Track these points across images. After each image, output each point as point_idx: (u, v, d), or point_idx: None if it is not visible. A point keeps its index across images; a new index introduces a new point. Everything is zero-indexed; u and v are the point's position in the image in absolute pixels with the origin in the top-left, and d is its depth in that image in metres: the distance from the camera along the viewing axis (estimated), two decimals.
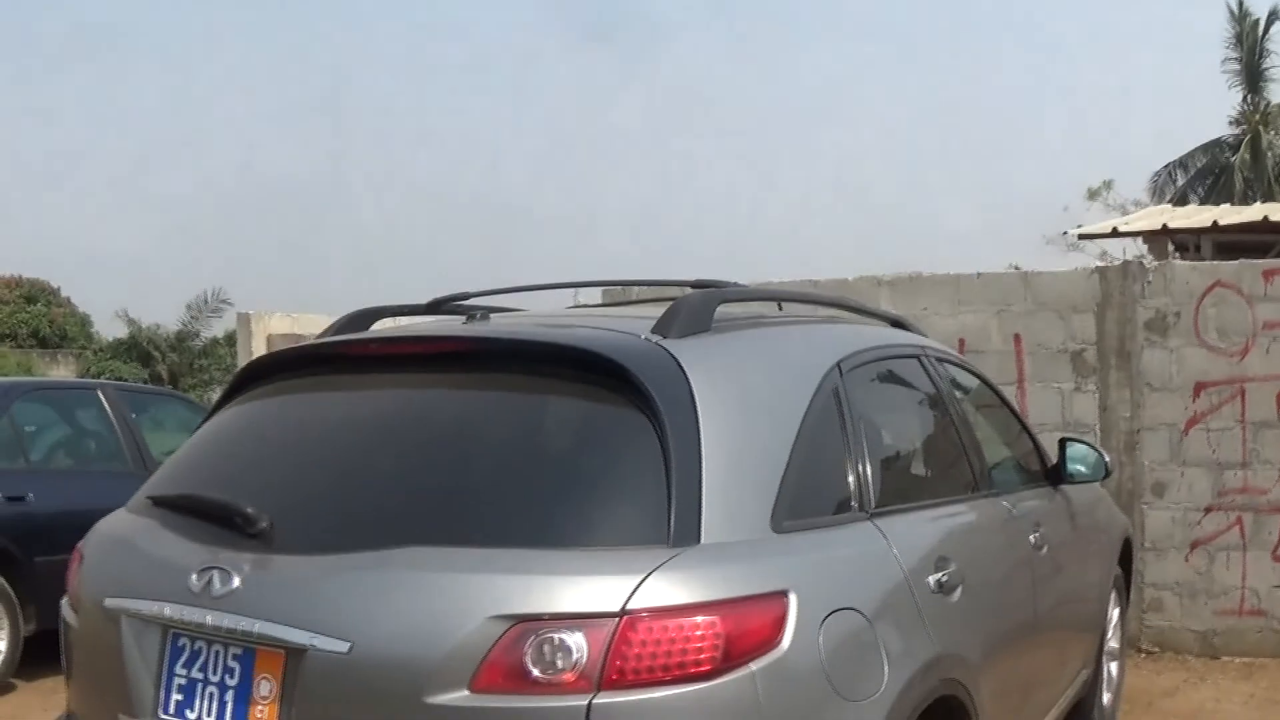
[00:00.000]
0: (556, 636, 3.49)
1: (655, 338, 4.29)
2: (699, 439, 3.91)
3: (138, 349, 40.10)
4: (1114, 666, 7.83)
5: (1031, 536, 5.87)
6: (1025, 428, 6.94)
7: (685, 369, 4.11)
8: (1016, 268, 15.01)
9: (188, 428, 11.35)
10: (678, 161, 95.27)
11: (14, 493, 9.95)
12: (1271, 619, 10.11)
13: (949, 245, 69.36)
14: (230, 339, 37.31)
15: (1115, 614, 7.71)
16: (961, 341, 10.73)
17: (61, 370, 44.18)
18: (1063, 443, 6.77)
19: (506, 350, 4.49)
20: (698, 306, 4.57)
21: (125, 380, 33.94)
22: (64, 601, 4.84)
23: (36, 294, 52.65)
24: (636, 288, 8.68)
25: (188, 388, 36.97)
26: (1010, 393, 10.27)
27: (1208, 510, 10.21)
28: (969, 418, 5.98)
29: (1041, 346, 10.59)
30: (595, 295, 9.37)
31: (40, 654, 9.60)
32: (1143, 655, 10.16)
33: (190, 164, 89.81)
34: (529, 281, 5.96)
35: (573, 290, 6.44)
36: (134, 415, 11.28)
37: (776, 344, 4.97)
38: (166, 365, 39.23)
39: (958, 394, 6.05)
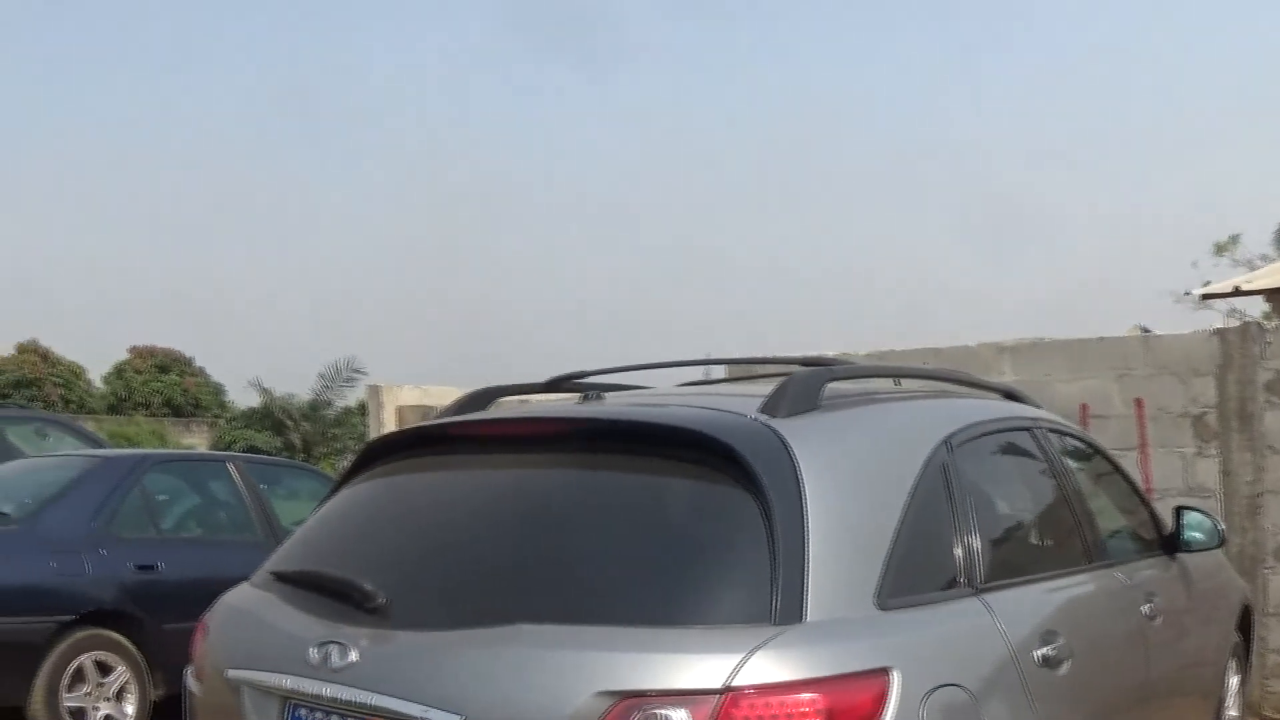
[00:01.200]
0: (661, 712, 3.56)
1: (763, 417, 4.36)
2: (805, 518, 3.96)
3: (271, 418, 40.31)
4: None
5: (1144, 606, 5.82)
6: (1141, 497, 6.90)
7: (791, 448, 4.16)
8: (1144, 329, 14.89)
9: (316, 499, 11.52)
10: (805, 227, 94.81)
11: (144, 562, 10.12)
12: None
13: (1077, 304, 68.71)
14: (363, 408, 37.55)
15: (1234, 681, 7.61)
16: (1084, 407, 10.68)
17: (195, 439, 44.70)
18: (1178, 511, 6.73)
19: (616, 430, 4.56)
20: (805, 385, 4.62)
21: (259, 449, 34.32)
22: (188, 670, 4.98)
23: (170, 364, 53.43)
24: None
25: (321, 456, 37.17)
26: (1132, 458, 10.21)
27: None
28: (1082, 489, 5.95)
29: (1163, 411, 10.49)
30: (722, 370, 9.40)
31: (167, 718, 9.78)
32: None
33: (323, 234, 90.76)
34: (646, 359, 6.02)
35: (682, 366, 6.45)
36: (263, 486, 11.46)
37: (884, 421, 4.99)
38: (300, 434, 39.41)
39: (1071, 465, 6.02)
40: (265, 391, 40.50)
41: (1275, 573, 10.14)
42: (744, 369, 8.97)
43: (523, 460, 4.64)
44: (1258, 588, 9.86)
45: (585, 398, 5.22)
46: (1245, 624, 7.89)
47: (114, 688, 9.76)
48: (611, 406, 4.97)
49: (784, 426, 4.30)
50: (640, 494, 4.35)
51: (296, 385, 42.46)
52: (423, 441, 5.08)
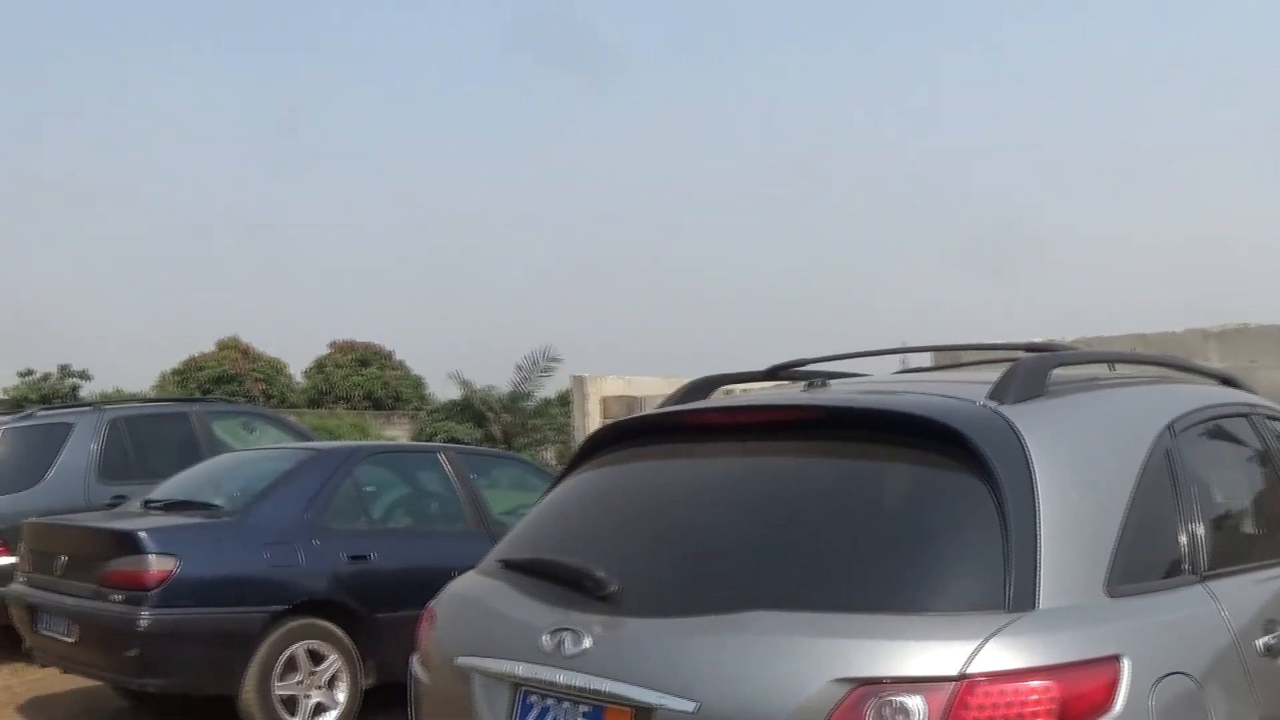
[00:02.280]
0: (896, 699, 3.57)
1: (991, 404, 4.36)
2: (1036, 505, 3.94)
3: (471, 409, 40.64)
4: None
5: None
6: None
7: (1022, 434, 4.16)
8: None
9: (526, 488, 11.57)
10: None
11: (357, 552, 10.24)
12: None
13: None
14: (563, 398, 37.69)
15: None
16: None
17: (396, 431, 45.23)
18: None
19: (846, 417, 4.57)
20: (1033, 371, 4.61)
21: (460, 440, 34.62)
22: (414, 658, 5.08)
23: (370, 357, 54.10)
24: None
25: (521, 447, 37.34)
26: None
27: None
28: None
29: None
30: (924, 359, 9.30)
31: (377, 707, 9.92)
32: None
33: (510, 235, 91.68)
34: (860, 347, 5.96)
35: (895, 353, 6.39)
36: (474, 476, 11.51)
37: (1109, 407, 4.94)
38: (500, 425, 39.71)
39: None
40: (465, 384, 40.82)
41: None
42: (950, 356, 8.88)
43: (753, 448, 4.66)
44: None
45: (810, 385, 5.22)
46: None
47: (325, 676, 9.93)
48: (841, 394, 4.99)
49: (1013, 412, 4.29)
50: (872, 480, 4.37)
51: (490, 376, 42.85)
52: (649, 430, 5.12)
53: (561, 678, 4.14)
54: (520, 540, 5.00)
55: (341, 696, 9.95)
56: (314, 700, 9.85)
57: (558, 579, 4.46)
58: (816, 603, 3.89)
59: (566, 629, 4.20)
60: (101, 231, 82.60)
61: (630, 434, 5.14)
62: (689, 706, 3.81)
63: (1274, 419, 5.94)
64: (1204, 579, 4.48)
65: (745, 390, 6.62)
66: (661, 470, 4.91)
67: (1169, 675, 3.91)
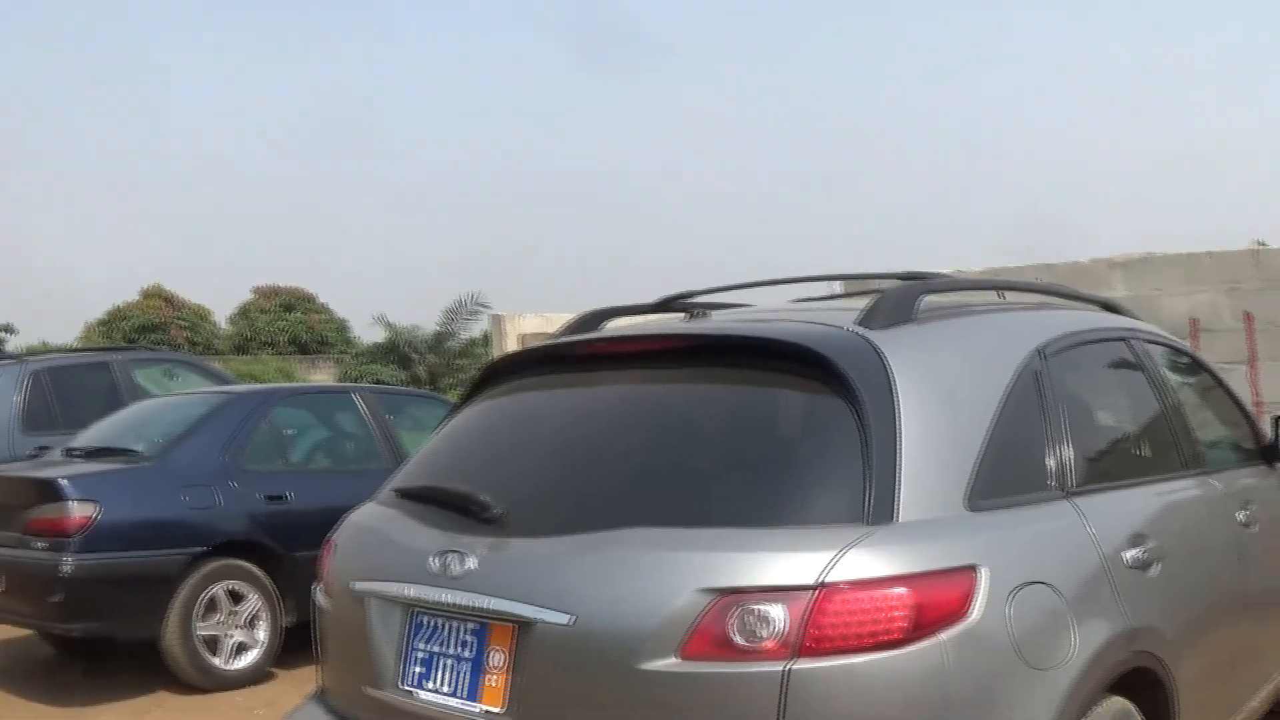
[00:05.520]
0: (758, 608, 3.74)
1: (859, 329, 4.50)
2: (897, 423, 4.10)
3: (396, 352, 40.60)
4: None
5: (1240, 514, 5.85)
6: (1241, 407, 6.90)
7: (886, 358, 4.30)
8: (1262, 243, 14.78)
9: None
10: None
11: (274, 492, 10.41)
12: None
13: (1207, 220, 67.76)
14: (487, 339, 37.81)
15: None
16: (1194, 321, 10.63)
17: (322, 375, 45.15)
18: (1277, 420, 6.73)
19: (719, 345, 4.73)
20: (900, 298, 4.76)
21: (385, 382, 34.63)
22: (316, 587, 5.23)
23: (294, 302, 53.93)
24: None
25: (446, 387, 37.37)
26: (1241, 372, 10.14)
27: None
28: (1177, 398, 6.00)
29: (1273, 324, 10.39)
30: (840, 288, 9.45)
31: (298, 645, 9.99)
32: None
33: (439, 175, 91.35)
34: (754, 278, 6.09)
35: (779, 284, 6.53)
36: (389, 416, 11.68)
37: (977, 331, 5.09)
38: (425, 367, 39.70)
39: (1166, 375, 6.06)
40: (390, 326, 40.81)
41: None
42: (861, 285, 9.04)
43: (635, 375, 4.85)
44: None
45: (691, 316, 5.41)
46: None
47: (246, 616, 10.11)
48: (715, 323, 5.16)
49: (878, 337, 4.44)
50: (743, 403, 4.54)
51: (418, 319, 42.75)
52: (538, 361, 5.29)
53: (448, 597, 4.31)
54: (414, 470, 5.15)
55: (262, 635, 10.13)
56: (235, 640, 10.02)
57: (447, 504, 4.61)
58: (687, 519, 4.06)
59: (453, 551, 4.36)
60: (17, 179, 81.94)
61: (522, 366, 5.29)
62: (565, 619, 3.98)
63: (1154, 343, 6.10)
64: (1070, 495, 4.65)
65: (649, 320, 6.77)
66: (549, 399, 5.08)
67: (1028, 585, 4.07)
